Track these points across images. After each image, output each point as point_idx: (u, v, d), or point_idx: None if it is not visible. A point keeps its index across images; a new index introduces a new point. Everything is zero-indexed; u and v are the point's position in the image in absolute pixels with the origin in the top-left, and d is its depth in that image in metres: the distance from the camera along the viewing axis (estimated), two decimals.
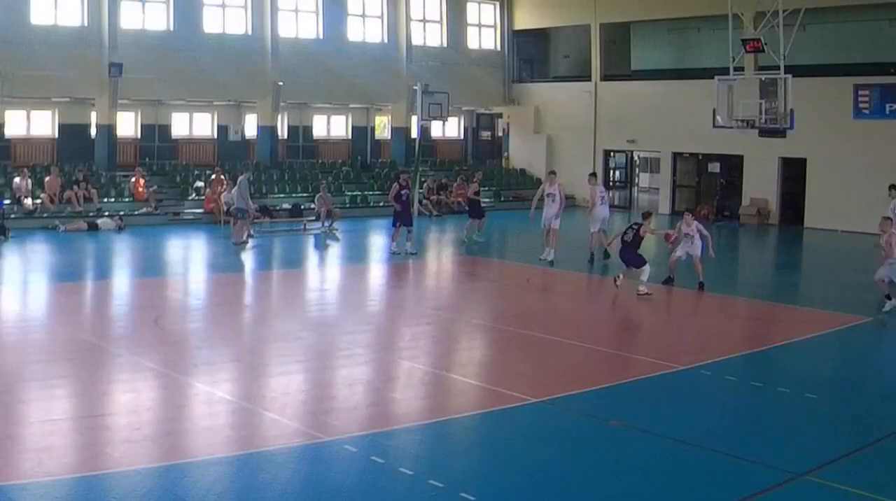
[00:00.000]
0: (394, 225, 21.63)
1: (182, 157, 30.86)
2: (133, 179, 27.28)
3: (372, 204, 30.83)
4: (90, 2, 27.17)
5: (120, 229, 24.87)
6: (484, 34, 37.00)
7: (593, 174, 23.70)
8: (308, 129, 34.15)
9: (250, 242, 23.19)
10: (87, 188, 25.67)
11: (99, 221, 24.80)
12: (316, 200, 26.59)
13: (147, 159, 29.62)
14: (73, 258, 21.13)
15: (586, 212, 21.95)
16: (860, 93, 27.54)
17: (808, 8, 24.06)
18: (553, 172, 22.53)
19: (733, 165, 30.92)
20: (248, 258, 22.14)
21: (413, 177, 30.62)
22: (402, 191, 21.58)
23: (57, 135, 28.62)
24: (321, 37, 31.98)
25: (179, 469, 8.08)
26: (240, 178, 23.84)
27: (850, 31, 28.92)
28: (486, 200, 33.37)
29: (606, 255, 20.47)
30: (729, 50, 25.05)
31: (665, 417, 9.90)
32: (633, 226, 17.21)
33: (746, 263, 23.98)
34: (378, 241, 25.97)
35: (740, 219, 29.90)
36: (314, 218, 26.31)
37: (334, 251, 23.50)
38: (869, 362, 13.01)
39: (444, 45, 35.59)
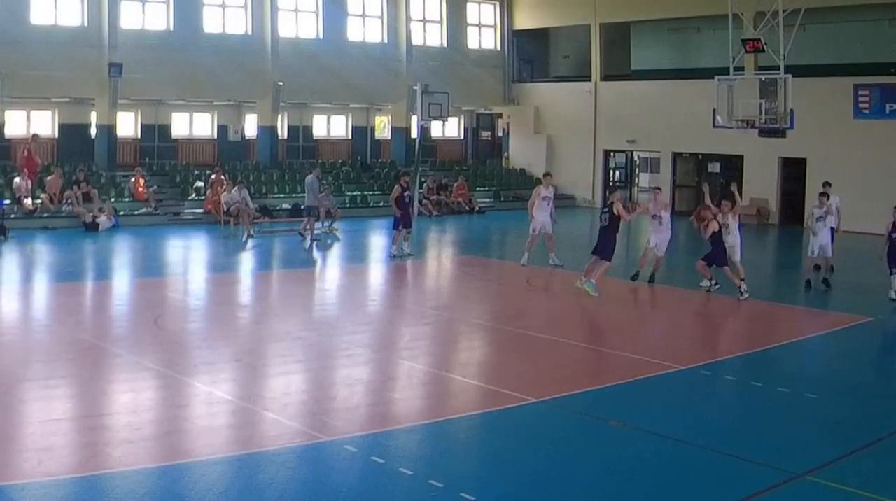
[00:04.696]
0: (395, 227, 21.23)
1: (182, 157, 30.87)
2: (133, 179, 27.28)
3: (372, 204, 30.83)
4: (90, 2, 27.18)
5: (115, 225, 24.95)
6: (484, 34, 37.01)
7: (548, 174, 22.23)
8: (308, 129, 34.15)
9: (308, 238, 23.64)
10: (88, 187, 25.66)
11: (98, 220, 24.79)
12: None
13: (147, 159, 29.63)
14: (72, 258, 21.13)
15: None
16: (860, 93, 27.55)
17: (808, 8, 24.07)
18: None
19: (733, 165, 30.92)
20: (247, 258, 22.17)
21: (413, 177, 30.67)
22: (406, 194, 21.50)
23: (57, 135, 28.61)
24: (321, 37, 31.98)
25: (179, 469, 8.08)
26: (308, 178, 24.17)
27: (850, 31, 28.92)
28: (486, 200, 33.48)
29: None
30: (729, 50, 25.07)
31: (665, 417, 9.90)
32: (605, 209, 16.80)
33: (746, 263, 23.92)
34: (378, 241, 25.96)
35: (740, 218, 29.84)
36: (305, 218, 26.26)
37: (334, 251, 23.49)
38: (869, 362, 13.01)
39: (444, 45, 35.60)
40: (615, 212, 16.50)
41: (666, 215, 18.44)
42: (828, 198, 18.32)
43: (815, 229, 17.97)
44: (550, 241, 20.16)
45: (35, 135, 26.60)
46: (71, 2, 27.23)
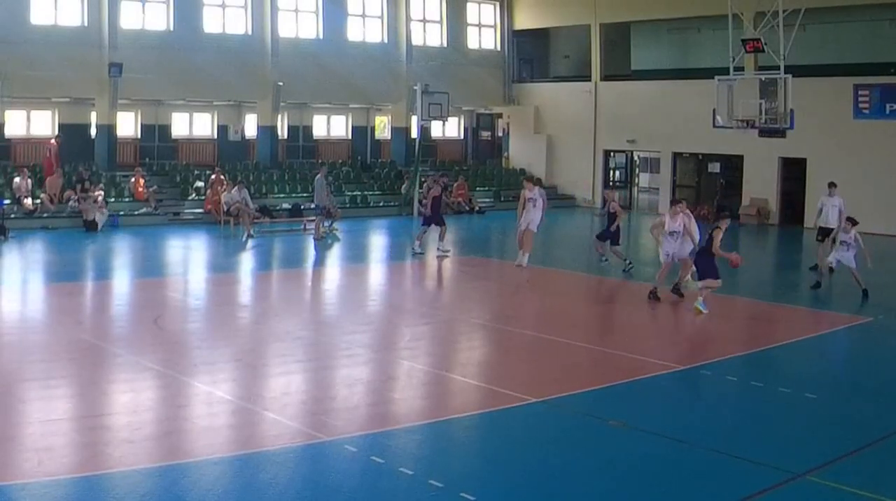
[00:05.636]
0: (426, 224, 21.88)
1: (182, 157, 30.87)
2: (133, 179, 27.29)
3: (372, 204, 30.84)
4: (90, 2, 27.18)
5: (113, 223, 24.99)
6: (484, 34, 37.00)
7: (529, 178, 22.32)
8: (308, 129, 34.15)
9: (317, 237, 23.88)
10: (92, 186, 25.65)
11: (96, 218, 24.79)
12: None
13: (147, 159, 29.64)
14: (72, 258, 21.12)
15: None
16: (860, 93, 27.55)
17: (808, 8, 24.06)
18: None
19: (733, 165, 30.93)
20: (247, 258, 22.16)
21: (413, 178, 30.71)
22: (442, 195, 21.94)
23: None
24: (321, 37, 31.98)
25: (179, 469, 8.08)
26: (317, 177, 24.38)
27: (850, 31, 28.93)
28: (486, 200, 33.49)
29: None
30: (729, 50, 25.05)
31: (665, 417, 9.90)
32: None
33: (746, 263, 23.96)
34: (378, 241, 26.00)
35: (740, 219, 29.87)
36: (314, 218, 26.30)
37: (334, 251, 23.48)
38: (869, 362, 13.00)
39: (444, 45, 35.59)
40: (714, 240, 15.54)
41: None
42: (853, 225, 17.22)
43: (839, 251, 17.19)
44: (529, 240, 19.76)
45: (58, 136, 26.50)
46: (71, 2, 27.23)
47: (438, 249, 21.80)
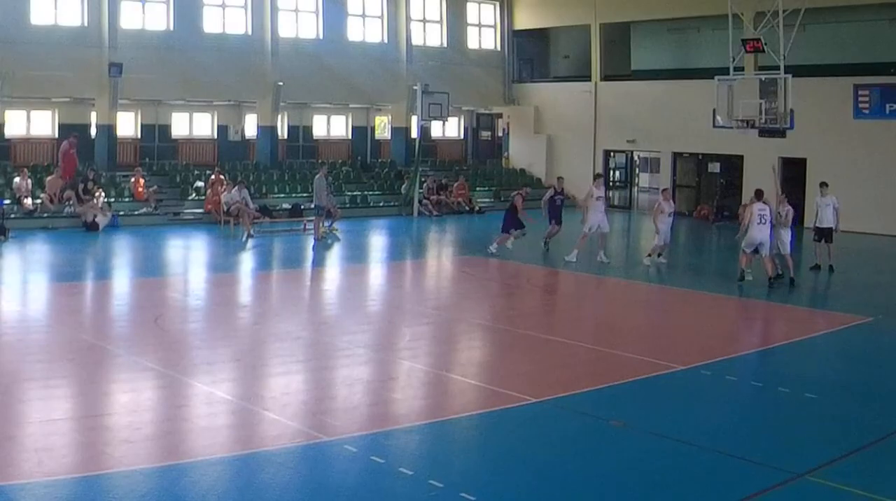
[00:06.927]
0: (505, 230, 21.91)
1: (182, 157, 30.87)
2: (133, 179, 27.28)
3: (372, 204, 30.84)
4: (90, 2, 27.17)
5: (113, 223, 24.97)
6: (484, 34, 37.01)
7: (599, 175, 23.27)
8: (308, 129, 34.15)
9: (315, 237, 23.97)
10: (95, 186, 25.62)
11: (97, 219, 24.78)
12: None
13: (147, 159, 29.63)
14: (72, 258, 21.11)
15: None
16: (860, 93, 27.54)
17: (808, 8, 24.05)
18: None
19: (733, 165, 30.91)
20: (247, 258, 22.16)
21: (413, 178, 30.71)
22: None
23: (57, 135, 28.59)
24: (321, 37, 31.98)
25: (179, 469, 8.08)
26: (316, 177, 24.44)
27: (850, 31, 28.92)
28: (486, 200, 33.49)
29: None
30: (729, 50, 25.04)
31: (665, 417, 9.90)
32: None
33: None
34: (378, 241, 25.99)
35: (739, 218, 29.80)
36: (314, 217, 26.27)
37: (334, 251, 23.48)
38: (869, 362, 13.00)
39: (444, 45, 35.59)
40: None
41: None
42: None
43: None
44: (602, 240, 20.84)
45: (76, 136, 26.37)
46: (71, 2, 27.22)
47: (489, 250, 21.84)
